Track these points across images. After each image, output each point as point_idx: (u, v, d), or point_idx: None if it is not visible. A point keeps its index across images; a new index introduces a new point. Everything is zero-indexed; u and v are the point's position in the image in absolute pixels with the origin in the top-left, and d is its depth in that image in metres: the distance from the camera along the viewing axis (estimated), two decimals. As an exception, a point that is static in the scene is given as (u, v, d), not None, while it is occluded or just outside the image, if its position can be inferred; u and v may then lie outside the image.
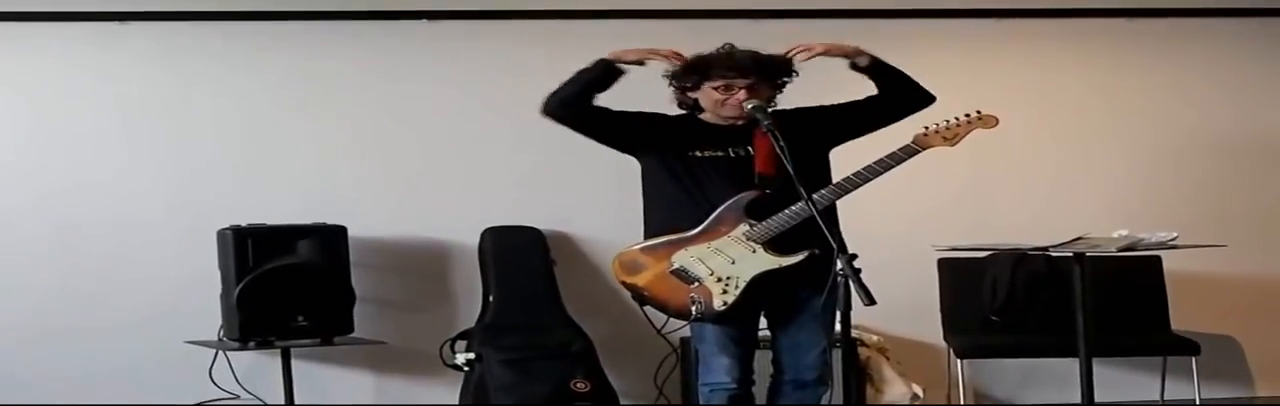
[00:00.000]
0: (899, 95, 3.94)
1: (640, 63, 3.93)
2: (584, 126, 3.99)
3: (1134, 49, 5.72)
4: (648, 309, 3.94)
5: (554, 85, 5.43)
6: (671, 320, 3.98)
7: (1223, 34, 5.75)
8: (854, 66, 3.93)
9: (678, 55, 3.91)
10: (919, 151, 3.84)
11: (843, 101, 4.00)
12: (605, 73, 3.91)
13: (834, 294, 3.43)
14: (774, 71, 3.87)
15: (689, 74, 3.88)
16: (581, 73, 3.96)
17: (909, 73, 5.72)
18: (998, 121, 3.93)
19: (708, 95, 3.87)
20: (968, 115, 3.91)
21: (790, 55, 3.89)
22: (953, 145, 3.90)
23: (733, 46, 3.89)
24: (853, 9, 5.52)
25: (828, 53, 3.90)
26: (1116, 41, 5.70)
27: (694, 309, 3.81)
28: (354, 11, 5.32)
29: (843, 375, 3.90)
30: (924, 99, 3.97)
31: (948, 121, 3.89)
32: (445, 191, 5.39)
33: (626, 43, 5.33)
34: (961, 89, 5.60)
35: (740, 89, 3.82)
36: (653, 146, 3.93)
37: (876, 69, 3.92)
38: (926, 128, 3.88)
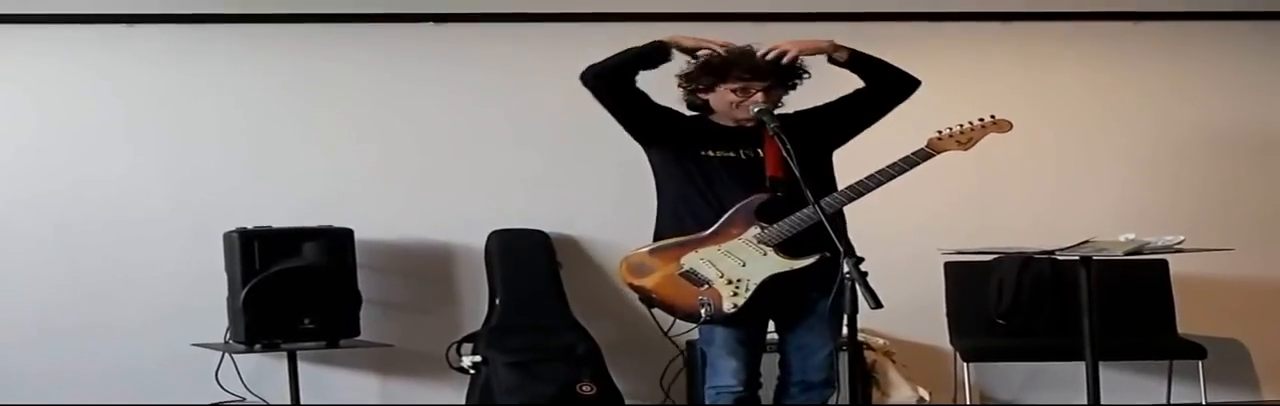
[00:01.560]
0: (885, 84, 3.93)
1: (691, 53, 3.87)
2: (615, 102, 3.92)
3: (1139, 52, 5.72)
4: (655, 311, 3.93)
5: (560, 87, 5.45)
6: (678, 322, 3.97)
7: (1228, 37, 5.75)
8: (833, 61, 3.90)
9: (726, 46, 3.84)
10: (933, 155, 3.83)
11: (833, 99, 3.99)
12: (655, 52, 3.85)
13: (841, 296, 3.43)
14: (789, 73, 3.86)
15: (705, 75, 3.84)
16: (631, 49, 3.90)
17: (913, 74, 5.75)
18: (1012, 126, 3.93)
19: (722, 97, 3.84)
20: (981, 119, 3.91)
21: (766, 58, 3.82)
22: (966, 149, 3.89)
23: (752, 47, 3.86)
24: (857, 12, 5.53)
25: (802, 52, 3.84)
26: (1121, 44, 5.70)
27: (703, 311, 3.81)
28: (360, 14, 5.33)
29: (849, 378, 3.90)
30: (909, 84, 3.97)
31: (961, 126, 3.89)
32: (451, 194, 5.40)
33: (630, 45, 5.36)
34: (967, 92, 5.63)
35: (757, 91, 3.80)
36: (669, 141, 3.90)
37: (857, 61, 3.90)
38: (940, 132, 3.87)
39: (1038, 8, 5.63)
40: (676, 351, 5.22)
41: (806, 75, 3.89)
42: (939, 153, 3.85)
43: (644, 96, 3.91)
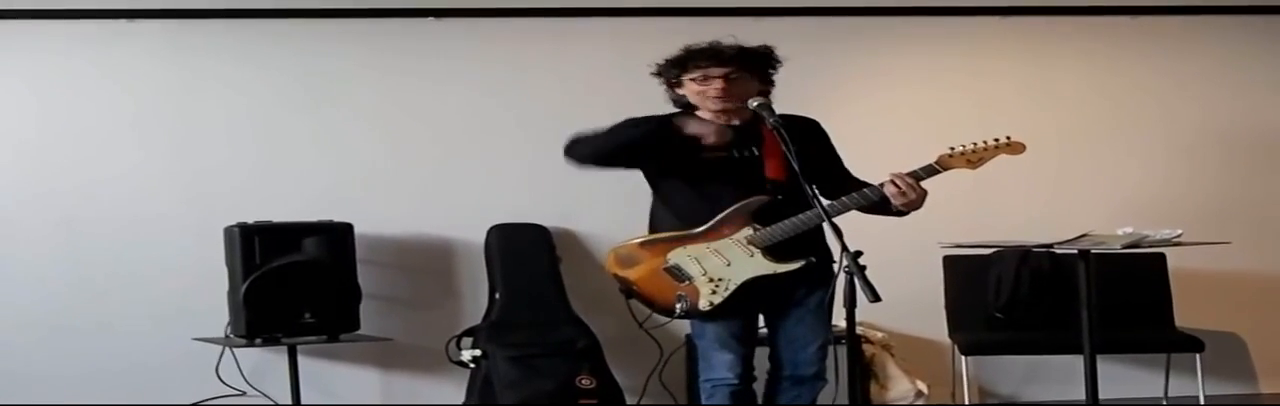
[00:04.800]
0: (876, 212, 3.87)
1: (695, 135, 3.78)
2: (620, 165, 3.92)
3: (1138, 47, 5.73)
4: (633, 303, 3.93)
5: (559, 82, 5.47)
6: (655, 316, 3.95)
7: (1226, 31, 5.76)
8: (893, 208, 3.83)
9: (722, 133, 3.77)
10: (939, 172, 3.82)
11: (846, 162, 3.99)
12: (659, 132, 3.76)
13: (832, 290, 3.43)
14: (755, 61, 3.84)
15: (669, 69, 3.86)
16: (632, 133, 3.79)
17: (913, 70, 5.75)
18: (1025, 148, 3.90)
19: (690, 89, 3.84)
20: (996, 140, 3.88)
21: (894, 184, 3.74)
22: (974, 168, 3.87)
23: (717, 42, 3.86)
24: (858, 7, 5.54)
25: (907, 203, 3.76)
26: (1120, 39, 5.71)
27: (678, 307, 3.82)
28: (361, 9, 5.34)
29: (847, 372, 3.91)
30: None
31: (974, 144, 3.86)
32: (452, 189, 5.41)
33: (630, 40, 5.38)
34: (965, 87, 5.66)
35: (717, 78, 3.79)
36: (665, 157, 3.88)
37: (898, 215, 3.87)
38: (952, 148, 3.85)
39: (1036, 2, 5.64)
40: (676, 345, 5.24)
41: (778, 62, 3.87)
42: (946, 170, 3.83)
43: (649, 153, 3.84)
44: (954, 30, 5.63)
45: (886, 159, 3.91)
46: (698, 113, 3.92)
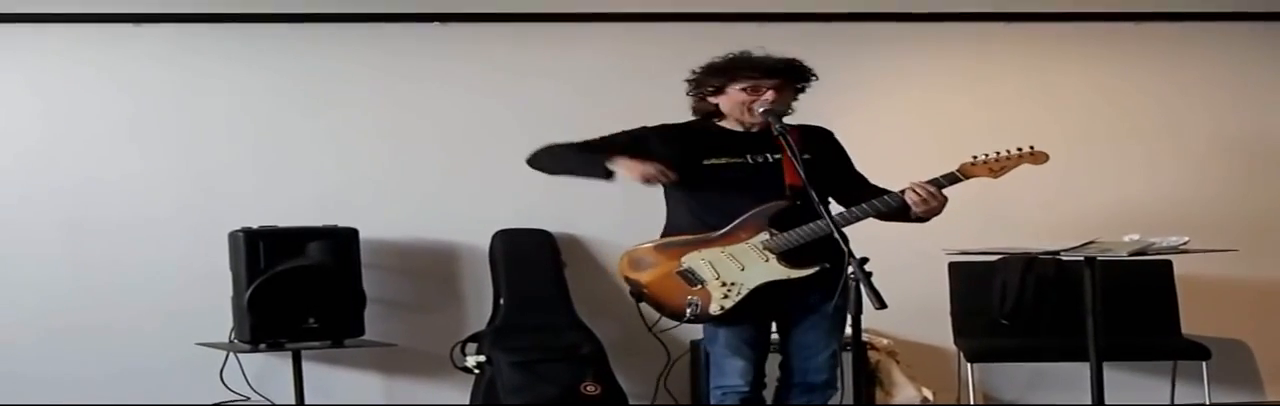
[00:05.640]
0: (895, 219, 3.87)
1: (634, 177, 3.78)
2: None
3: (1142, 53, 5.72)
4: (643, 306, 3.93)
5: (564, 87, 5.47)
6: (665, 319, 3.94)
7: (1231, 38, 5.75)
8: (912, 215, 3.84)
9: (665, 174, 3.76)
10: (961, 180, 3.82)
11: (858, 169, 3.98)
12: (595, 172, 3.84)
13: (845, 297, 3.43)
14: (798, 74, 3.85)
15: (713, 77, 3.84)
16: (578, 163, 3.92)
17: (917, 75, 5.75)
18: (1048, 158, 3.89)
19: (733, 98, 3.82)
20: (1020, 149, 3.87)
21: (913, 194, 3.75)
22: (996, 177, 3.87)
23: (748, 52, 3.86)
24: (860, 12, 5.53)
25: (928, 210, 3.77)
26: (1124, 45, 5.70)
27: (689, 311, 3.82)
28: (366, 14, 5.34)
29: (853, 378, 3.90)
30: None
31: (997, 153, 3.85)
32: (456, 194, 5.41)
33: (634, 45, 5.38)
34: (970, 93, 5.65)
35: (767, 89, 3.79)
36: (660, 162, 3.86)
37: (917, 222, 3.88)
38: (975, 157, 3.84)
39: (1040, 8, 5.63)
40: (681, 351, 5.23)
41: (814, 77, 3.88)
42: (968, 178, 3.83)
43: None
44: (958, 36, 5.62)
45: (890, 164, 3.92)
46: (721, 121, 3.91)
